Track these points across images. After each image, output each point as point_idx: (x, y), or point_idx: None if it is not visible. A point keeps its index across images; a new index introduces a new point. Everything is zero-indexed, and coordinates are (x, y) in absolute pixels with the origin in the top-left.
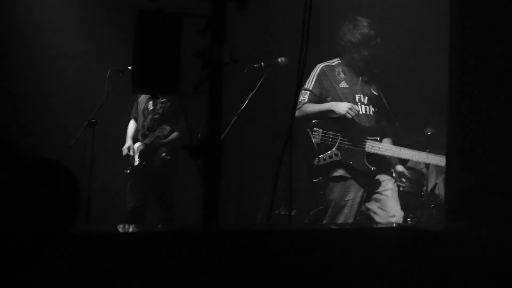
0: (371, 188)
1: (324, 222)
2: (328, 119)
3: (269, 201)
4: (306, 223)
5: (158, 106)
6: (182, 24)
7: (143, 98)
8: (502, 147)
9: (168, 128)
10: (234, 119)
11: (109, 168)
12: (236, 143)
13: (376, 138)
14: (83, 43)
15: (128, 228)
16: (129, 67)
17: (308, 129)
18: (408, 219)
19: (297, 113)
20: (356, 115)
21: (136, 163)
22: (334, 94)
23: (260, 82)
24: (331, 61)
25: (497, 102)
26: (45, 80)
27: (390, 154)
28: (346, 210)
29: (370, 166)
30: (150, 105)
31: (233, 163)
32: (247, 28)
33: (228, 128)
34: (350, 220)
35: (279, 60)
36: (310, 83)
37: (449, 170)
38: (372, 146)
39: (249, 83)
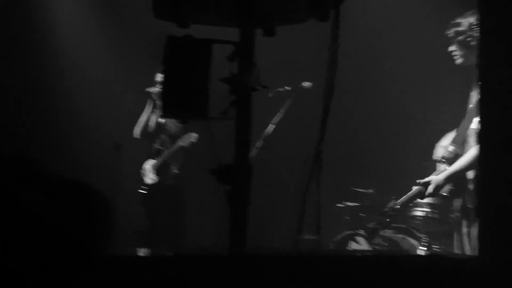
0: None
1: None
2: None
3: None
4: (332, 248)
5: (172, 124)
6: (211, 50)
7: (154, 116)
8: None
9: (194, 135)
10: (259, 143)
11: (133, 190)
12: (261, 167)
13: None
14: (108, 65)
15: (155, 251)
16: (149, 89)
17: None
18: (434, 246)
19: None
20: None
21: (152, 181)
22: None
23: (285, 106)
24: None
25: None
26: (71, 102)
27: None
28: None
29: None
30: (162, 122)
31: (257, 187)
32: (273, 52)
33: (254, 153)
34: None
35: (304, 84)
36: None
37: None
38: None
39: (274, 107)
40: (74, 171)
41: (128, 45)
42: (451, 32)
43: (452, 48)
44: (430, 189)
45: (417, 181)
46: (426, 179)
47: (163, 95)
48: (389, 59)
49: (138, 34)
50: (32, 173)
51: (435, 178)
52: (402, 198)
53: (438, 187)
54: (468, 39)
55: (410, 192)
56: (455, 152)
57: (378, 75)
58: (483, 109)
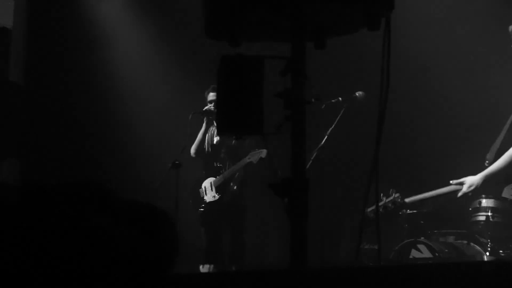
0: None
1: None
2: None
3: (354, 236)
4: (391, 258)
5: (230, 140)
6: (263, 66)
7: (209, 134)
8: None
9: (264, 151)
10: (314, 155)
11: (192, 209)
12: (316, 179)
13: None
14: (165, 86)
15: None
16: (206, 108)
17: None
18: (500, 250)
19: None
20: None
21: (212, 199)
22: None
23: (338, 117)
24: None
25: None
26: (129, 123)
27: None
28: None
29: None
30: (220, 139)
31: (313, 199)
32: (325, 63)
33: (308, 165)
34: None
35: (357, 94)
36: None
37: None
38: None
39: (328, 118)
40: (139, 192)
41: (183, 67)
42: None
43: None
44: (464, 188)
45: (451, 181)
46: (461, 180)
47: (217, 112)
48: (440, 61)
49: (193, 55)
50: (106, 200)
51: (470, 178)
52: (421, 195)
53: (473, 187)
54: None
55: (437, 190)
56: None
57: (430, 79)
58: None
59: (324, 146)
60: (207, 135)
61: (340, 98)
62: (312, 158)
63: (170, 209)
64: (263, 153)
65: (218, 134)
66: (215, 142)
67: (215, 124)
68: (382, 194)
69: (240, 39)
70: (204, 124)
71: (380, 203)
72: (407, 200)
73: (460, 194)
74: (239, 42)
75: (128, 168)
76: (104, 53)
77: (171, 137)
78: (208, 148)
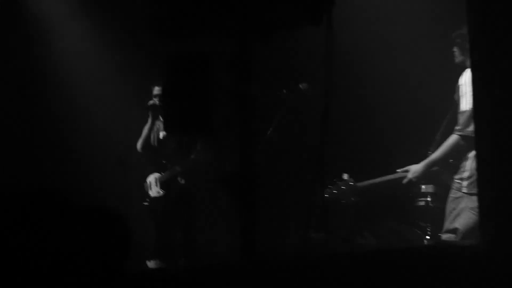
0: None
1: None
2: None
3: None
4: (338, 246)
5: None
6: (209, 63)
7: (156, 129)
8: None
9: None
10: (260, 147)
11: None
12: (262, 170)
13: None
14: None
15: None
16: (150, 103)
17: None
18: (440, 235)
19: None
20: None
21: (156, 195)
22: None
23: (283, 109)
24: None
25: None
26: (72, 119)
27: None
28: None
29: None
30: (161, 136)
31: (261, 190)
32: (268, 56)
33: (254, 157)
34: None
35: (301, 86)
36: None
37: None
38: None
39: (272, 110)
40: (84, 188)
41: (128, 61)
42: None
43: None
44: (409, 175)
45: (397, 170)
46: (406, 168)
47: (164, 111)
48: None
49: (137, 49)
50: (56, 205)
51: (414, 166)
52: (372, 180)
53: (416, 175)
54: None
55: (386, 176)
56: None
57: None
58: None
59: (270, 138)
60: (153, 130)
61: (284, 90)
62: (258, 150)
63: (115, 205)
64: (209, 151)
65: (166, 132)
66: (161, 137)
67: (161, 118)
68: (335, 180)
69: (185, 35)
70: (149, 119)
71: (333, 186)
72: (359, 184)
73: (405, 180)
74: (184, 38)
75: (72, 165)
76: (43, 48)
77: (116, 133)
78: (154, 143)
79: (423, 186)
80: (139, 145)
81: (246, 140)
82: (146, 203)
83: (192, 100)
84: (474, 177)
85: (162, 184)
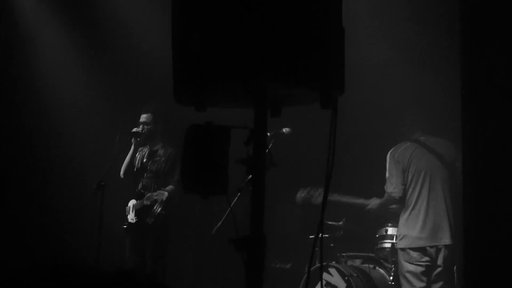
0: None
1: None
2: None
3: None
4: (304, 280)
5: (154, 165)
6: (229, 135)
7: (138, 156)
8: None
9: (164, 193)
10: (242, 185)
11: (117, 228)
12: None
13: None
14: (92, 104)
15: None
16: (134, 130)
17: None
18: None
19: None
20: None
21: (133, 221)
22: None
23: (266, 151)
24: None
25: None
26: (55, 142)
27: None
28: None
29: None
30: (145, 163)
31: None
32: None
33: (236, 197)
34: None
35: (284, 130)
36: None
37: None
38: None
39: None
40: (63, 212)
41: (113, 87)
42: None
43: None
44: (371, 205)
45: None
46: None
47: (183, 172)
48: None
49: (124, 73)
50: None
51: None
52: (339, 196)
53: (375, 206)
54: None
55: (352, 198)
56: None
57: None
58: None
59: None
60: (135, 157)
61: (268, 133)
62: (241, 188)
63: (94, 229)
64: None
65: (184, 192)
66: (139, 166)
67: (143, 146)
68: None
69: (206, 105)
70: (132, 146)
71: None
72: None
73: (367, 208)
74: (204, 107)
75: (52, 187)
76: (28, 60)
77: (97, 157)
78: (135, 169)
79: (389, 228)
80: (122, 171)
81: (258, 206)
82: (124, 226)
83: (212, 166)
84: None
85: (137, 211)
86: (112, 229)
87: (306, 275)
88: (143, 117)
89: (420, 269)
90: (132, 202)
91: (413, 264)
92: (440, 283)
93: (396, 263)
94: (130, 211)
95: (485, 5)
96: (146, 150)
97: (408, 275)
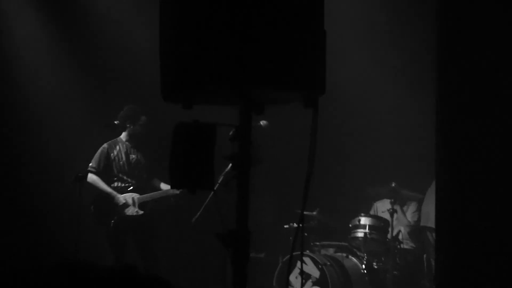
0: None
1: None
2: None
3: None
4: (278, 270)
5: (136, 160)
6: (215, 132)
7: (118, 153)
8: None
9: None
10: (221, 179)
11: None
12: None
13: None
14: (71, 96)
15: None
16: (116, 122)
17: None
18: (374, 263)
19: None
20: None
21: (136, 214)
22: None
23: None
24: None
25: None
26: (32, 134)
27: None
28: None
29: None
30: (131, 158)
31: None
32: None
33: (216, 186)
34: None
35: (261, 123)
36: None
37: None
38: None
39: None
40: (42, 205)
41: (97, 80)
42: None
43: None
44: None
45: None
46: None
47: (171, 169)
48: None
49: (102, 67)
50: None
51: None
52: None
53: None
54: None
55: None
56: None
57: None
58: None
59: (229, 171)
60: (120, 152)
61: None
62: (219, 182)
63: (72, 222)
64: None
65: (172, 188)
66: (130, 159)
67: (122, 139)
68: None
69: (192, 103)
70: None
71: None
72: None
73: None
74: (191, 105)
75: (30, 180)
76: (5, 55)
77: (74, 150)
78: (122, 164)
79: (362, 218)
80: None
81: (243, 202)
82: (113, 221)
83: (199, 162)
84: None
85: (141, 205)
86: (89, 224)
87: (280, 264)
88: (125, 109)
89: None
90: (130, 196)
91: None
92: None
93: (368, 251)
94: (132, 205)
95: (462, 19)
96: (126, 146)
97: None
